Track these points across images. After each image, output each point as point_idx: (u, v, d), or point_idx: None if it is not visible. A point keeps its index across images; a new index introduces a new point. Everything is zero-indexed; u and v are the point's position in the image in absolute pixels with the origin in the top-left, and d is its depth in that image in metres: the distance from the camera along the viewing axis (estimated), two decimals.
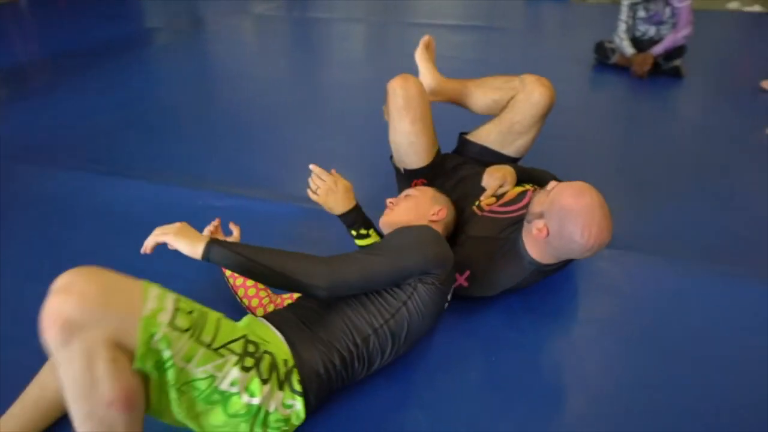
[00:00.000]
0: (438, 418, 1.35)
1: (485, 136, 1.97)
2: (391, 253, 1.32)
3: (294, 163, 2.63)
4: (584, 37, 4.79)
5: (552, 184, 1.52)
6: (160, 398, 1.06)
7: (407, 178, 1.92)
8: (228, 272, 1.66)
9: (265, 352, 1.19)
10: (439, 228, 1.61)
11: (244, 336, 1.18)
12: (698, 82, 3.72)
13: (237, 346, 1.14)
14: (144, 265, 1.42)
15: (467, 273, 1.57)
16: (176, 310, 1.06)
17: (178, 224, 1.29)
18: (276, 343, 1.25)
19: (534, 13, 6.27)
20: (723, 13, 5.79)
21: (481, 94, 2.00)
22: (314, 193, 1.61)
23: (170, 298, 1.07)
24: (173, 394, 1.06)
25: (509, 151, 1.95)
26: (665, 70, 3.74)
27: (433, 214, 1.61)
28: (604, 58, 3.93)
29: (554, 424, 1.36)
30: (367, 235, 1.62)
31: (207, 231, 1.63)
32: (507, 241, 1.61)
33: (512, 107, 1.89)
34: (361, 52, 4.91)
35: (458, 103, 2.08)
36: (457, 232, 1.71)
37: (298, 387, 1.20)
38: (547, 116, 1.88)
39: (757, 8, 5.94)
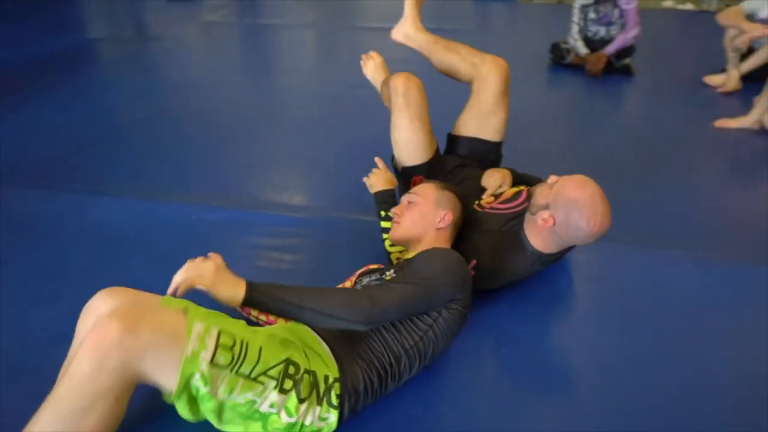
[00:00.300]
0: (463, 411, 1.41)
1: (464, 126, 2.10)
2: (423, 282, 1.34)
3: (270, 172, 2.67)
4: (536, 36, 4.98)
5: (553, 178, 1.63)
6: (192, 407, 1.10)
7: (405, 176, 2.00)
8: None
9: (306, 372, 1.21)
10: (449, 232, 1.64)
11: (286, 359, 1.20)
12: (647, 79, 3.94)
13: (276, 372, 1.17)
14: (150, 280, 1.41)
15: (473, 263, 1.65)
16: (217, 347, 1.09)
17: (212, 266, 1.25)
18: (323, 357, 1.28)
19: (483, 14, 6.43)
20: (659, 12, 6.11)
21: (445, 56, 2.17)
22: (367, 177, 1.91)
23: (213, 335, 1.10)
24: (210, 414, 1.11)
25: (489, 134, 2.08)
26: (617, 69, 3.94)
27: (440, 221, 1.61)
28: (559, 58, 4.09)
29: (570, 402, 1.46)
30: (391, 218, 1.71)
31: None
32: (509, 234, 1.72)
33: (475, 92, 2.07)
34: (316, 57, 4.93)
35: (423, 53, 2.25)
36: (461, 227, 1.79)
37: (335, 401, 1.23)
38: (507, 91, 2.05)
39: (689, 6, 6.31)
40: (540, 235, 1.65)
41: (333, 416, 1.23)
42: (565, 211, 1.55)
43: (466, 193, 1.89)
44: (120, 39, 5.23)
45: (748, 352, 1.60)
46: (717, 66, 3.87)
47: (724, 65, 3.79)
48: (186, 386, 1.07)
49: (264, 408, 1.14)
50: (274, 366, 1.17)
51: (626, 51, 3.90)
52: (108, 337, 1.00)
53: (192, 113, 3.36)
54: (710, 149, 2.94)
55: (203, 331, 1.09)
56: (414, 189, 1.72)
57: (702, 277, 1.90)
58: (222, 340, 1.11)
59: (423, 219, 1.61)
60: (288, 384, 1.17)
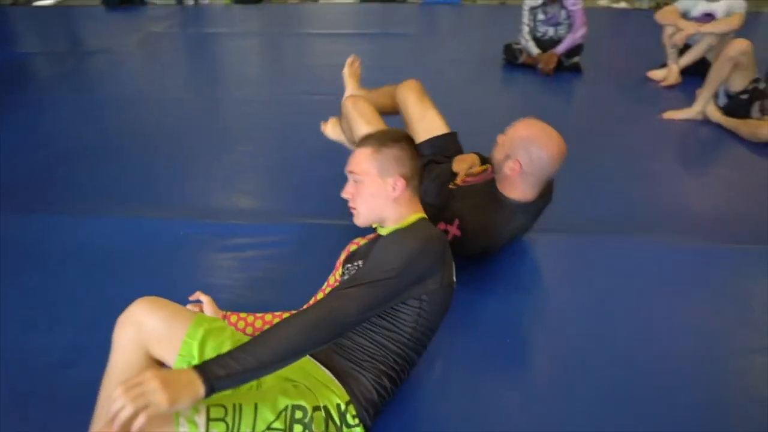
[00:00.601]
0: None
1: (416, 137, 2.19)
2: (382, 280, 1.22)
3: (237, 182, 2.65)
4: (486, 37, 5.15)
5: (500, 136, 1.82)
6: None
7: None
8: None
9: (315, 409, 1.19)
10: (409, 193, 1.41)
11: (286, 407, 1.16)
12: (595, 75, 4.15)
13: (281, 423, 1.14)
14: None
15: (456, 222, 1.78)
16: (209, 422, 1.07)
17: (156, 382, 0.99)
18: (328, 384, 1.26)
19: (429, 17, 6.57)
20: (595, 11, 6.41)
21: (377, 101, 2.39)
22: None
23: (202, 413, 1.07)
24: None
25: (437, 130, 2.27)
26: (567, 67, 4.14)
27: (393, 190, 1.38)
28: (512, 58, 4.25)
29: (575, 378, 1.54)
30: None
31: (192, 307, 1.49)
32: (487, 193, 1.87)
33: (403, 111, 2.35)
34: (263, 64, 4.91)
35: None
36: (441, 207, 1.90)
37: (354, 421, 1.23)
38: (424, 96, 2.32)
39: (623, 4, 6.67)
40: (513, 184, 1.80)
41: (358, 430, 1.24)
42: (525, 150, 1.74)
43: (442, 182, 2.05)
44: (61, 53, 5.03)
45: (714, 325, 1.74)
46: (657, 61, 4.13)
47: (664, 60, 4.05)
48: None
49: None
50: (276, 418, 1.14)
51: (575, 50, 4.11)
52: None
53: (148, 128, 3.28)
54: (661, 139, 3.14)
55: (191, 415, 1.06)
56: (351, 163, 1.44)
57: (665, 260, 2.04)
58: (212, 413, 1.08)
59: (375, 198, 1.39)
60: (298, 429, 1.15)
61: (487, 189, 1.88)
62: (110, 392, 1.21)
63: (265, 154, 2.95)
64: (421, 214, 1.43)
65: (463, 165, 2.04)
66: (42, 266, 2.01)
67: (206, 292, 1.50)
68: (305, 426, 1.16)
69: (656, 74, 4.01)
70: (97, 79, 4.34)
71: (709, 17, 3.88)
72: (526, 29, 4.22)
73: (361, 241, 1.59)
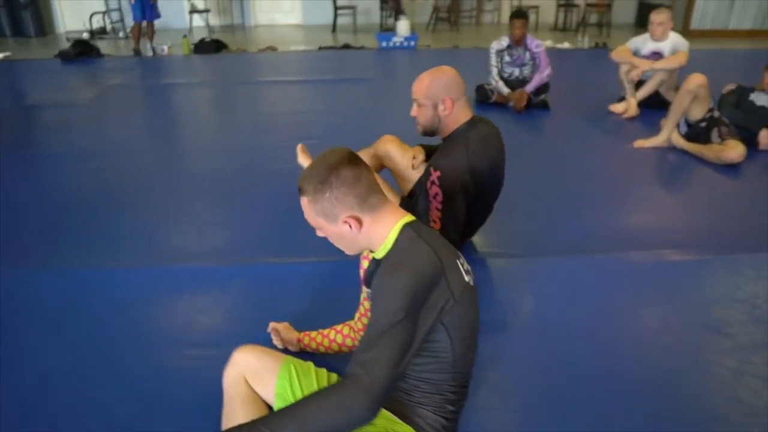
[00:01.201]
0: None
1: (412, 180, 2.40)
2: (393, 327, 1.11)
3: (208, 225, 2.70)
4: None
5: (413, 109, 2.07)
6: None
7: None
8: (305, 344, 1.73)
9: None
10: (371, 218, 1.23)
11: None
12: (562, 111, 4.48)
13: None
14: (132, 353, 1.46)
15: (437, 174, 1.98)
16: None
17: None
18: (398, 428, 1.27)
19: (388, 62, 6.85)
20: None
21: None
22: None
23: None
24: None
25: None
26: (536, 104, 4.45)
27: (351, 228, 1.23)
28: (484, 98, 4.53)
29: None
30: None
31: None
32: (442, 146, 2.12)
33: (387, 162, 2.49)
34: (226, 113, 4.86)
35: None
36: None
37: None
38: (402, 142, 2.49)
39: (567, 45, 7.20)
40: (454, 117, 2.03)
41: None
42: (438, 88, 1.98)
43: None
44: (16, 108, 4.92)
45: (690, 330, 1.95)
46: (614, 95, 4.52)
47: (621, 94, 4.44)
48: None
49: None
50: None
51: (542, 88, 4.43)
52: None
53: (112, 178, 3.23)
54: (634, 165, 3.45)
55: None
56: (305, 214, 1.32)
57: (649, 272, 2.28)
58: None
59: (342, 239, 1.28)
60: None
61: (442, 145, 2.12)
62: (224, 423, 1.39)
63: (229, 200, 2.97)
64: (400, 222, 1.23)
65: (409, 156, 2.36)
66: (74, 322, 1.98)
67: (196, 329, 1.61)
68: None
69: (617, 107, 4.38)
70: (56, 132, 4.22)
71: (657, 55, 4.31)
72: (494, 71, 4.52)
73: (370, 255, 1.39)
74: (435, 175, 1.99)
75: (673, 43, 4.28)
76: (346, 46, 7.39)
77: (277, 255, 2.38)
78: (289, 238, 2.48)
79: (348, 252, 1.31)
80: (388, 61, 6.85)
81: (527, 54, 4.45)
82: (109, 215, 2.78)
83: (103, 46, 7.36)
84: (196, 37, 7.88)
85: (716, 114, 3.50)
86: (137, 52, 7.08)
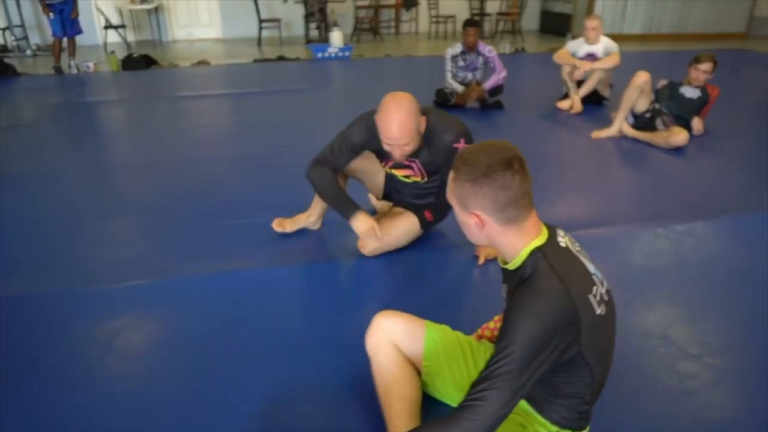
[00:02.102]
0: None
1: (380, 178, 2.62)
2: (514, 370, 1.10)
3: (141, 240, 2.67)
4: (407, 85, 5.67)
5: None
6: None
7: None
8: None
9: None
10: (498, 224, 1.19)
11: None
12: (516, 110, 4.87)
13: None
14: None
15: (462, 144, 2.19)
16: None
17: None
18: (539, 422, 1.34)
19: (325, 72, 6.96)
20: None
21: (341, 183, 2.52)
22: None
23: None
24: None
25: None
26: (491, 105, 4.80)
27: (476, 226, 1.23)
28: (444, 101, 4.81)
29: None
30: None
31: None
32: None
33: (351, 172, 2.53)
34: (157, 129, 4.64)
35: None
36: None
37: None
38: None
39: (507, 49, 7.71)
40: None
41: None
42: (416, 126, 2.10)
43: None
44: None
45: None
46: (557, 94, 4.98)
47: (564, 92, 4.90)
48: None
49: None
50: None
51: (497, 89, 4.79)
52: None
53: (41, 201, 3.10)
54: (594, 153, 3.87)
55: None
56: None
57: (619, 245, 2.60)
58: None
59: (468, 228, 1.26)
60: None
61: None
62: (385, 388, 1.50)
63: (170, 214, 2.92)
64: (532, 245, 1.20)
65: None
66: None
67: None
68: None
69: (563, 104, 4.84)
70: None
71: (591, 56, 4.82)
72: (449, 75, 4.83)
73: (500, 262, 1.32)
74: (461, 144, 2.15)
75: (604, 45, 4.81)
76: (282, 58, 7.43)
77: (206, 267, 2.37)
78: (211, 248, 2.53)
79: (469, 239, 1.30)
80: (325, 72, 6.98)
81: (480, 59, 4.79)
82: (36, 234, 2.69)
83: (15, 64, 6.86)
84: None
85: (657, 106, 4.01)
86: (58, 70, 6.69)
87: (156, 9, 9.01)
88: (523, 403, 1.35)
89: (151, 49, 8.26)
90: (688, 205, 2.98)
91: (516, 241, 1.20)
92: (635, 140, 4.00)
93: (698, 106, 4.11)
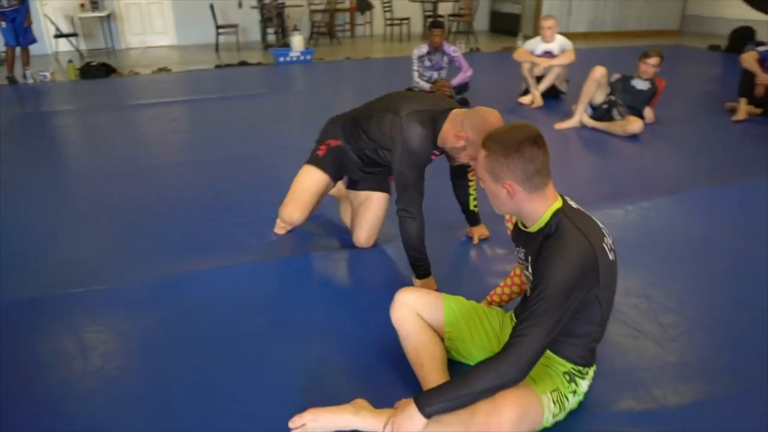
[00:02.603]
0: None
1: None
2: (552, 309, 1.32)
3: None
4: (371, 86, 5.86)
5: None
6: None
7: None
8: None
9: (566, 374, 1.54)
10: (527, 191, 1.41)
11: (564, 373, 1.53)
12: (480, 106, 5.10)
13: (569, 383, 1.53)
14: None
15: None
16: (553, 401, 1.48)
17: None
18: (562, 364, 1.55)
19: (288, 76, 7.06)
20: None
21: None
22: None
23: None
24: None
25: None
26: (458, 101, 5.03)
27: (506, 186, 1.42)
28: None
29: None
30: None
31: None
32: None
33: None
34: (120, 137, 4.61)
35: None
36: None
37: (585, 370, 1.56)
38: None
39: (463, 48, 7.98)
40: None
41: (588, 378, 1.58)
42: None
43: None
44: None
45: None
46: (518, 89, 5.27)
47: (525, 88, 5.20)
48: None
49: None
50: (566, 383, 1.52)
51: (463, 87, 5.04)
52: None
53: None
54: (558, 143, 4.16)
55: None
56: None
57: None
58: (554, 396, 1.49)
59: (497, 198, 1.46)
60: (576, 382, 1.54)
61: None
62: (415, 352, 1.67)
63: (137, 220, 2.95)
64: (553, 207, 1.42)
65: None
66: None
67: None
68: (577, 376, 1.54)
69: (525, 99, 5.13)
70: None
71: (548, 54, 5.14)
72: (416, 74, 5.05)
73: (520, 225, 1.53)
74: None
75: (560, 43, 5.14)
76: (244, 63, 7.49)
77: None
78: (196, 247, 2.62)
79: (496, 210, 1.51)
80: (289, 75, 7.07)
81: (445, 58, 5.04)
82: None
83: None
84: (63, 62, 7.46)
85: (613, 98, 4.34)
86: (12, 80, 6.53)
87: (108, 17, 8.88)
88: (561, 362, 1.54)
89: (105, 57, 8.16)
90: (648, 184, 3.29)
91: (540, 206, 1.42)
92: (595, 129, 4.32)
93: (649, 97, 4.47)
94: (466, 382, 1.37)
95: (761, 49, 4.70)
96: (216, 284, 2.29)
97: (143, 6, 9.36)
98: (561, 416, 1.53)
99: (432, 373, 1.65)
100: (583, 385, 1.56)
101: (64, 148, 4.48)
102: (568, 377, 1.53)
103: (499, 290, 1.95)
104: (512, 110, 5.00)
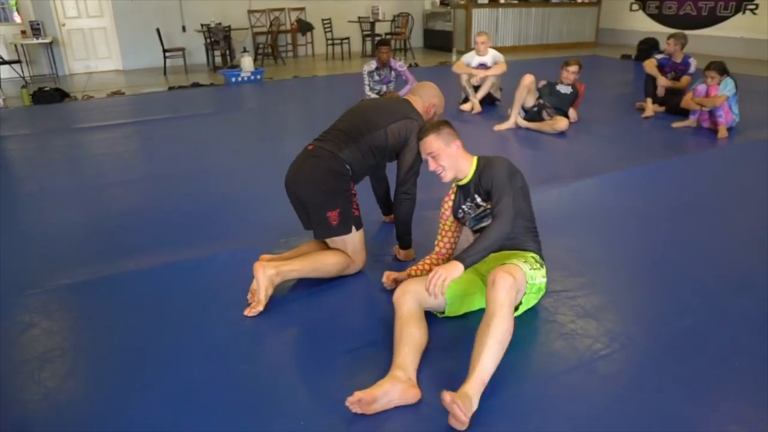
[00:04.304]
0: None
1: None
2: (507, 189, 2.09)
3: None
4: (321, 102, 6.31)
5: None
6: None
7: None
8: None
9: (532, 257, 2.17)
10: (462, 145, 2.25)
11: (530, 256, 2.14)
12: None
13: (535, 261, 2.12)
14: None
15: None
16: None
17: (449, 270, 1.94)
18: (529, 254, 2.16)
19: (241, 95, 7.41)
20: None
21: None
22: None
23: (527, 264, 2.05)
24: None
25: None
26: None
27: (457, 149, 2.23)
28: None
29: None
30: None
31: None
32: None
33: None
34: (71, 161, 4.67)
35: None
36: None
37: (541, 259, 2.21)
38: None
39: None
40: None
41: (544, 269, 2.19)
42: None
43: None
44: None
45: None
46: (458, 99, 5.87)
47: (464, 96, 5.80)
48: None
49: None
50: (535, 260, 2.14)
51: None
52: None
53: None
54: (498, 142, 4.74)
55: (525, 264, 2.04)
56: (426, 149, 2.23)
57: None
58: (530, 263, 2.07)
59: (451, 158, 2.20)
60: (539, 263, 2.14)
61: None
62: (399, 330, 1.97)
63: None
64: (475, 158, 2.25)
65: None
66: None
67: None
68: (539, 259, 2.17)
69: (465, 107, 5.73)
70: None
71: (483, 66, 5.77)
72: (367, 88, 5.55)
73: (452, 195, 2.35)
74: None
75: (492, 55, 5.78)
76: (196, 85, 7.78)
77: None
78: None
79: (447, 176, 2.21)
80: (242, 95, 7.41)
81: (392, 73, 5.57)
82: None
83: None
84: (6, 88, 7.53)
85: (541, 101, 4.99)
86: None
87: (50, 43, 8.95)
88: (508, 251, 2.15)
89: (51, 83, 8.24)
90: (577, 169, 3.90)
91: (469, 158, 2.26)
92: (528, 129, 4.95)
93: (571, 100, 5.16)
94: (483, 240, 1.98)
95: (659, 56, 5.51)
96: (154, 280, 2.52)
97: (86, 32, 9.47)
98: (537, 281, 2.09)
99: (408, 355, 1.85)
100: (544, 272, 2.16)
101: (15, 170, 4.54)
102: (533, 257, 2.14)
103: (421, 265, 2.41)
104: (455, 117, 5.58)
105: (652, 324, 2.15)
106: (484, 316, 1.82)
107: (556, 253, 2.62)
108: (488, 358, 1.73)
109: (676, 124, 4.97)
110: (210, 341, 2.11)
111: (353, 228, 2.42)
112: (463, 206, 2.28)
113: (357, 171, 2.46)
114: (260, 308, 2.25)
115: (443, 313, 2.17)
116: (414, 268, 2.42)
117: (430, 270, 2.36)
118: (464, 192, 2.28)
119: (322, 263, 2.41)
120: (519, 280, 1.92)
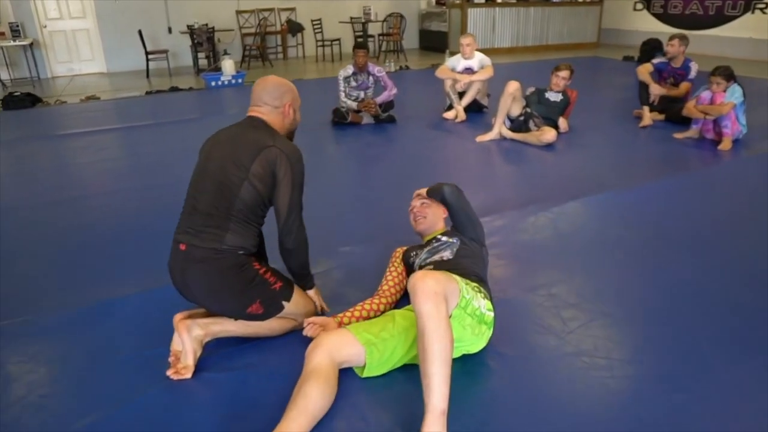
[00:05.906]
0: None
1: None
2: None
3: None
4: (302, 107, 5.94)
5: None
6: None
7: None
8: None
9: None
10: None
11: (472, 287, 1.89)
12: (407, 122, 5.32)
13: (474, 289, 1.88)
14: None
15: None
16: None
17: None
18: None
19: (220, 100, 7.09)
20: None
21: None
22: None
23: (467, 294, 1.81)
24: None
25: None
26: (384, 119, 5.22)
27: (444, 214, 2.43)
28: (341, 119, 5.16)
29: None
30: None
31: None
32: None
33: None
34: (47, 168, 4.50)
35: None
36: None
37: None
38: None
39: (392, 67, 8.21)
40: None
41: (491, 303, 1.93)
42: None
43: None
44: None
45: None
46: (442, 106, 5.50)
47: (449, 103, 5.44)
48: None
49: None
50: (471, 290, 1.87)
51: (389, 105, 5.22)
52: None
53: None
54: (480, 154, 4.38)
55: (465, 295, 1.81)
56: (422, 198, 2.40)
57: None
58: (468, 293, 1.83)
59: (436, 215, 2.40)
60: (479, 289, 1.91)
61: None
62: (300, 391, 1.64)
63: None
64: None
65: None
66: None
67: None
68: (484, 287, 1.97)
69: (449, 114, 5.36)
70: None
71: (469, 70, 5.40)
72: (342, 95, 5.19)
73: (403, 248, 2.41)
74: None
75: (479, 59, 5.41)
76: (175, 89, 7.46)
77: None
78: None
79: (422, 226, 2.38)
80: (221, 99, 7.09)
81: (371, 78, 5.21)
82: None
83: None
84: None
85: (528, 110, 4.61)
86: None
87: (31, 45, 8.66)
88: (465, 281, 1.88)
89: (30, 86, 7.96)
90: (560, 189, 3.52)
91: (442, 224, 2.40)
92: (513, 140, 4.57)
93: (562, 108, 4.78)
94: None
95: (656, 61, 5.10)
96: (141, 309, 2.33)
97: (69, 34, 9.19)
98: (476, 303, 1.81)
99: (294, 422, 1.56)
100: (489, 304, 1.89)
101: None
102: (476, 285, 1.91)
103: (357, 313, 2.08)
104: (437, 125, 5.22)
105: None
106: (416, 334, 1.61)
107: (524, 295, 2.26)
108: (438, 385, 1.54)
109: (677, 135, 4.58)
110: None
111: (283, 303, 2.02)
112: (418, 250, 2.29)
113: (251, 245, 1.96)
114: (188, 375, 1.90)
115: (364, 368, 1.82)
116: (348, 314, 2.08)
117: (367, 317, 2.08)
118: (429, 244, 2.27)
119: (261, 327, 2.05)
120: (443, 283, 1.65)
